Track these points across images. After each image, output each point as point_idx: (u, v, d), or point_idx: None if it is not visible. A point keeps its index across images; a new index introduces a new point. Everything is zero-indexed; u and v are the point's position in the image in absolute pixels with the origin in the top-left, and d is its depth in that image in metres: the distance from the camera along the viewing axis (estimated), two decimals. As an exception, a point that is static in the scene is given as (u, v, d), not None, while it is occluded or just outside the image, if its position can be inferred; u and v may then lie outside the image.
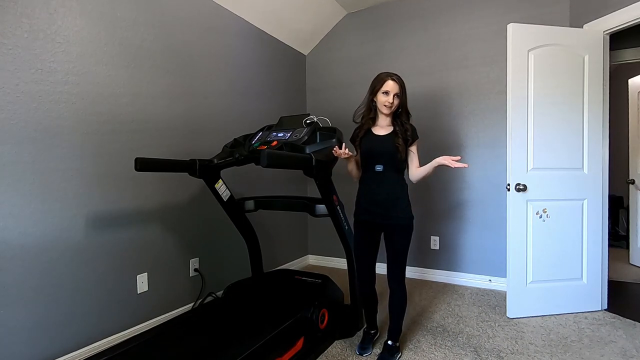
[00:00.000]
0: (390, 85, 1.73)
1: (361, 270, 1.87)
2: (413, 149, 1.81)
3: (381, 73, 1.78)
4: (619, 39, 3.05)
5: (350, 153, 1.73)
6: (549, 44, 2.35)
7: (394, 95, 1.73)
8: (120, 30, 2.04)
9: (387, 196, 1.75)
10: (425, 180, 1.82)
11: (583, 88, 2.40)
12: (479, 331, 2.18)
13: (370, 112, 1.83)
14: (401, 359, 1.87)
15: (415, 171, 1.80)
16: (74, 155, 1.83)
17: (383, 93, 1.73)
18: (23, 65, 1.64)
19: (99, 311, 1.93)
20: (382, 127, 1.82)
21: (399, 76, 1.75)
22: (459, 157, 1.63)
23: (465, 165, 1.61)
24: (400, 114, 1.81)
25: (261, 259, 2.46)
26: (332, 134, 1.84)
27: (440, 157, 1.65)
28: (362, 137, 1.82)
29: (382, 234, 1.80)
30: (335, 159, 1.79)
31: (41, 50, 1.70)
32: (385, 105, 1.74)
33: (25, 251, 1.65)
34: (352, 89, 3.44)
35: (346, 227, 1.98)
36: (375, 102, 1.79)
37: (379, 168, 1.76)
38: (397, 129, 1.77)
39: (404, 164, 1.81)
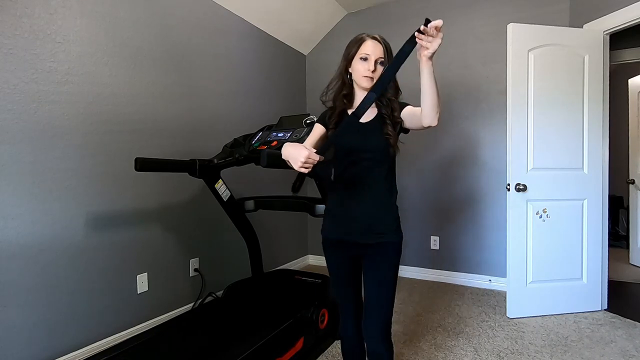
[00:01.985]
0: (369, 47, 1.19)
1: (345, 312, 1.33)
2: (406, 112, 1.20)
3: (358, 34, 1.25)
4: (619, 39, 3.05)
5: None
6: (549, 44, 2.35)
7: (376, 62, 1.19)
8: (121, 30, 2.04)
9: (371, 210, 1.22)
10: (438, 96, 1.04)
11: (583, 88, 2.40)
12: (479, 331, 2.17)
13: (344, 88, 1.28)
14: None
15: (422, 106, 1.07)
16: (74, 155, 1.83)
17: (361, 59, 1.20)
18: (23, 65, 1.64)
19: (99, 311, 1.92)
20: None
21: (382, 37, 1.23)
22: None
23: (438, 22, 0.95)
24: (385, 90, 1.21)
25: (261, 259, 2.46)
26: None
27: (420, 49, 0.99)
28: (336, 123, 1.26)
29: (362, 258, 1.28)
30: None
31: (41, 50, 1.70)
32: (365, 77, 1.20)
33: (25, 251, 1.65)
34: (352, 89, 3.43)
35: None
36: (350, 75, 1.26)
37: (359, 170, 1.23)
38: (384, 111, 1.22)
39: (394, 160, 1.27)
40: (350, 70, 1.26)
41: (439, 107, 1.05)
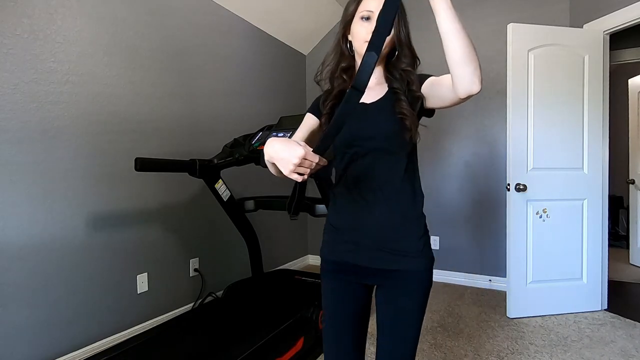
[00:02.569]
0: (372, 2, 0.89)
1: None
2: (427, 84, 0.88)
3: None
4: (619, 39, 3.05)
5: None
6: (549, 44, 2.35)
7: None
8: (121, 30, 2.04)
9: (386, 220, 0.90)
10: (472, 46, 0.72)
11: (583, 88, 2.40)
12: (479, 331, 2.17)
13: (343, 60, 0.97)
14: None
15: (452, 67, 0.74)
16: (74, 155, 1.83)
17: (362, 19, 0.90)
18: (23, 66, 1.64)
19: (99, 311, 1.92)
20: (369, 88, 0.80)
21: None
22: None
23: None
24: (397, 59, 0.93)
25: (261, 259, 2.46)
26: None
27: None
28: (332, 107, 0.94)
29: (374, 290, 0.97)
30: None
31: (41, 50, 1.70)
32: (367, 42, 0.78)
33: (25, 251, 1.65)
34: (352, 89, 3.43)
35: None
36: (350, 44, 0.95)
37: (366, 165, 0.91)
38: (396, 86, 0.91)
39: (414, 151, 0.94)
40: (349, 36, 0.95)
41: (476, 62, 0.71)
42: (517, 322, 2.31)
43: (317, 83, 1.02)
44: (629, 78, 3.80)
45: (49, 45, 1.73)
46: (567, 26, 2.60)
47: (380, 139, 0.89)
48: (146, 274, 2.17)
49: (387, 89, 0.92)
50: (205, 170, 2.01)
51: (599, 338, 2.08)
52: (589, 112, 2.41)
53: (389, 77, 0.94)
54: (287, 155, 0.66)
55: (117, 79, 2.02)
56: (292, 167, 0.65)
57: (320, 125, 0.95)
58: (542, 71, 2.34)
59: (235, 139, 2.18)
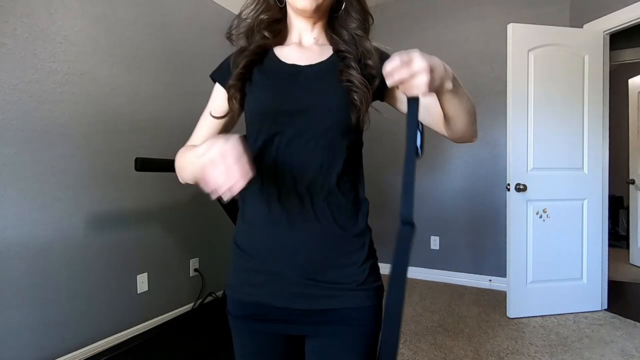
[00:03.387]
0: None
1: None
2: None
3: None
4: (619, 39, 3.05)
5: None
6: (549, 44, 2.35)
7: None
8: (121, 30, 2.04)
9: (317, 236, 0.64)
10: (472, 112, 0.65)
11: (583, 88, 2.40)
12: (479, 331, 2.17)
13: (266, 11, 0.71)
14: None
15: (451, 128, 0.66)
16: (74, 155, 1.83)
17: None
18: (23, 65, 1.64)
19: (99, 311, 1.92)
20: (304, 49, 0.71)
21: None
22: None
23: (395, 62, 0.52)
24: (344, 14, 0.70)
25: (261, 259, 2.46)
26: None
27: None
28: (249, 73, 0.68)
29: (305, 342, 0.69)
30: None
31: (41, 50, 1.70)
32: None
33: (25, 251, 1.65)
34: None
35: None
36: None
37: (292, 153, 0.64)
38: (344, 48, 0.67)
39: (359, 141, 0.71)
40: None
41: (476, 121, 0.66)
42: (517, 322, 2.31)
43: (230, 40, 0.74)
44: (629, 78, 3.80)
45: (49, 45, 1.73)
46: (567, 26, 2.60)
47: (315, 116, 0.63)
48: (146, 274, 2.17)
49: (331, 52, 0.69)
50: (205, 170, 2.01)
51: (599, 338, 2.08)
52: (589, 112, 2.41)
53: (333, 37, 0.70)
54: (204, 170, 0.50)
55: (117, 79, 2.02)
56: (215, 189, 0.50)
57: (228, 88, 0.68)
58: (542, 71, 2.34)
59: (235, 139, 2.18)
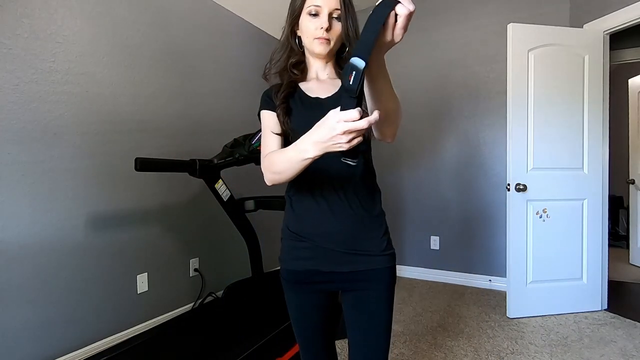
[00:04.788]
0: None
1: None
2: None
3: None
4: (619, 39, 3.05)
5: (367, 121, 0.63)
6: (549, 44, 2.35)
7: (330, 16, 0.87)
8: (120, 30, 2.04)
9: (352, 222, 0.89)
10: (390, 101, 0.74)
11: (583, 88, 2.40)
12: (479, 331, 2.17)
13: (292, 55, 0.96)
14: None
15: (380, 103, 0.74)
16: (74, 155, 1.83)
17: (310, 15, 0.88)
18: (23, 65, 1.64)
19: (99, 311, 1.92)
20: (321, 83, 0.95)
21: None
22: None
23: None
24: (347, 57, 0.84)
25: (261, 259, 2.46)
26: None
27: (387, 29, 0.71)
28: (288, 103, 0.91)
29: (340, 295, 0.97)
30: None
31: (41, 50, 1.70)
32: (317, 39, 0.88)
33: (25, 251, 1.65)
34: (352, 89, 3.43)
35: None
36: (300, 40, 0.94)
37: (325, 163, 0.81)
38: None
39: (369, 148, 0.96)
40: (297, 32, 0.93)
41: (398, 121, 0.80)
42: (517, 322, 2.31)
43: (265, 79, 0.98)
44: (629, 78, 3.80)
45: (49, 45, 1.73)
46: (567, 26, 2.60)
47: None
48: (146, 274, 2.17)
49: (340, 84, 0.91)
50: (205, 170, 2.01)
51: (599, 338, 2.08)
52: (589, 112, 2.41)
53: (340, 72, 0.94)
54: (327, 133, 0.64)
55: (117, 79, 2.02)
56: (345, 139, 0.62)
57: (277, 115, 0.89)
58: (542, 71, 2.34)
59: (235, 139, 2.18)
